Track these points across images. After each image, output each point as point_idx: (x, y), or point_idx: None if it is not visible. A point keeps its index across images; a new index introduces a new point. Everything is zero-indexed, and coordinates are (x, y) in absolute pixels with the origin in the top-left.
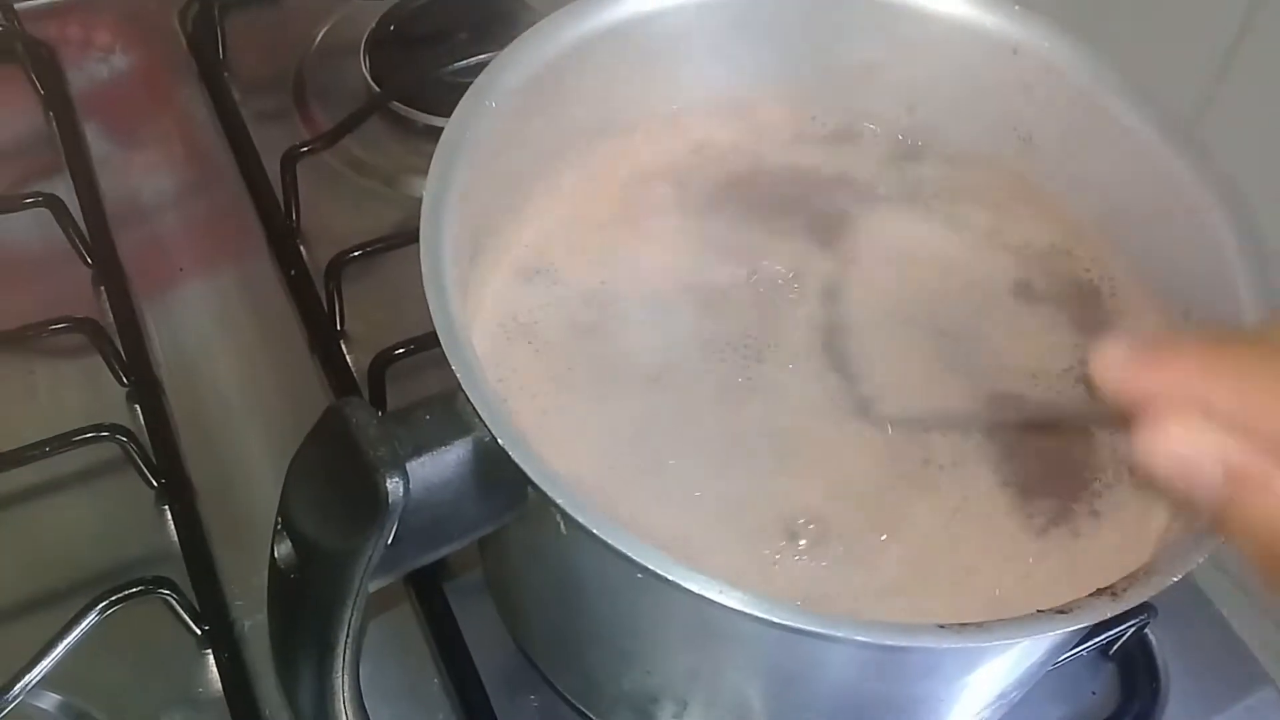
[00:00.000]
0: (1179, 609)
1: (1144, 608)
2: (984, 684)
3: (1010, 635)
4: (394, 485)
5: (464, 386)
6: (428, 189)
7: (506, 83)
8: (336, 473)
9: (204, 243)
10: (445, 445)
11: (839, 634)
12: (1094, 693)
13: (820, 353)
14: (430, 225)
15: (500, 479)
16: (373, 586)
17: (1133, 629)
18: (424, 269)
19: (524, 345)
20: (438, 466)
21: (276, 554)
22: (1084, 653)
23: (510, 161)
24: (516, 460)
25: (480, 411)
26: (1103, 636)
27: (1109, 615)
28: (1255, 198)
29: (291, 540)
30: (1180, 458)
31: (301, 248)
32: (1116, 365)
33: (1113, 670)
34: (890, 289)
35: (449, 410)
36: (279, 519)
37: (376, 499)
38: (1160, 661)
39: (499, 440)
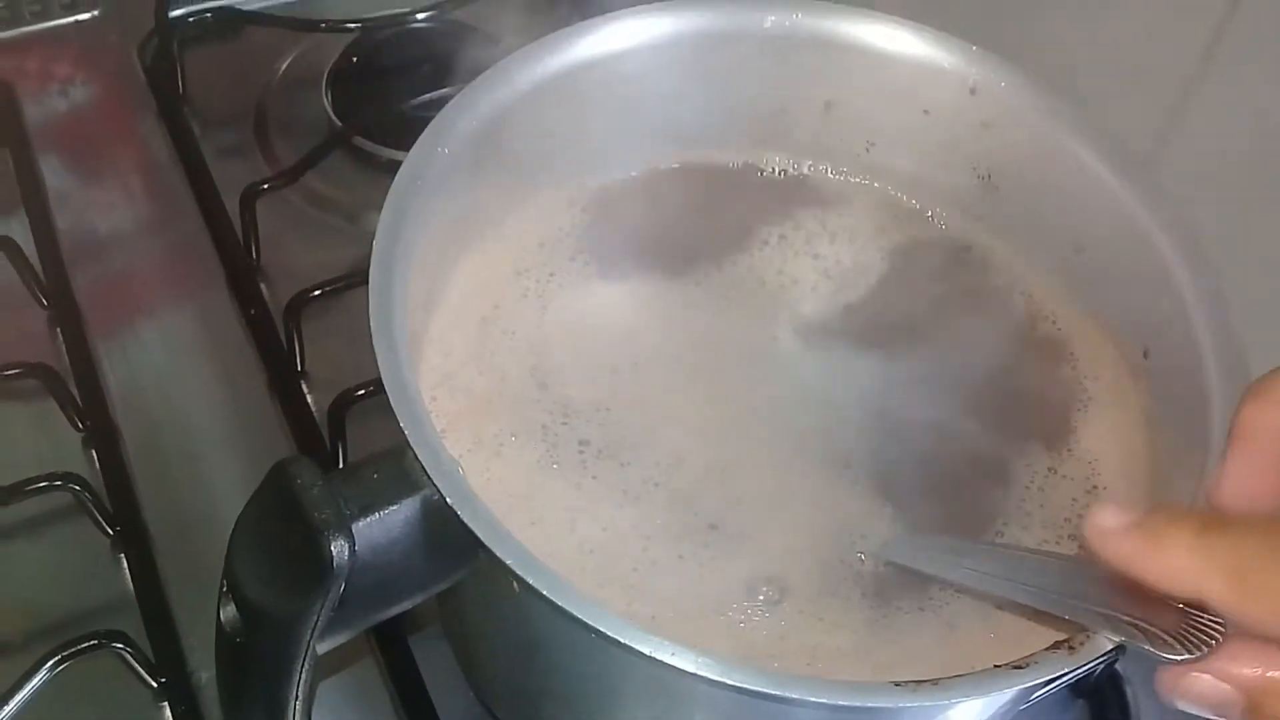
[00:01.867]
0: None
1: None
2: None
3: (966, 693)
4: (339, 549)
5: (412, 444)
6: (378, 239)
7: (459, 128)
8: (281, 535)
9: (163, 281)
10: (393, 504)
11: (793, 695)
12: None
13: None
14: (380, 275)
15: (451, 537)
16: (322, 648)
17: (1103, 664)
18: (372, 323)
19: (472, 394)
20: (385, 526)
21: (222, 617)
22: (1053, 691)
23: (463, 207)
24: (465, 520)
25: (429, 469)
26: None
27: (1064, 671)
28: (1211, 237)
29: (237, 603)
30: (1200, 694)
31: (262, 286)
32: (1114, 541)
33: (1083, 707)
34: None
35: (397, 467)
36: (224, 581)
37: (321, 562)
38: (1131, 697)
39: (448, 499)
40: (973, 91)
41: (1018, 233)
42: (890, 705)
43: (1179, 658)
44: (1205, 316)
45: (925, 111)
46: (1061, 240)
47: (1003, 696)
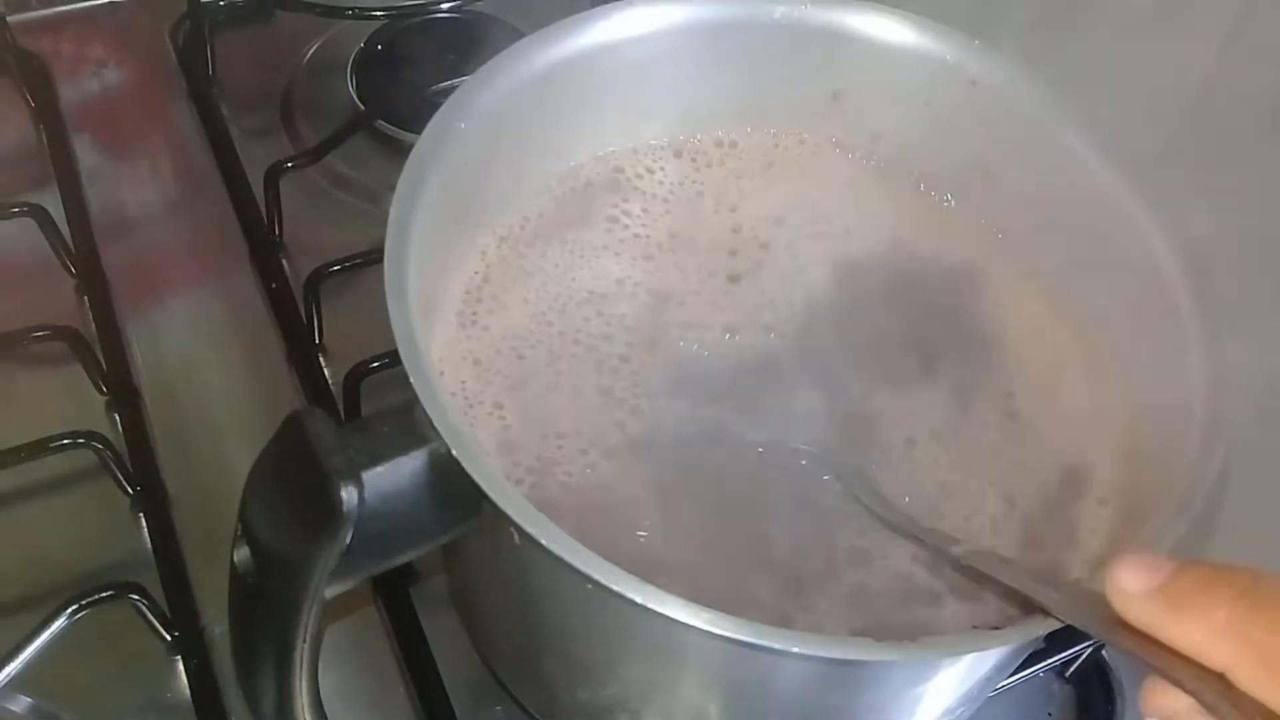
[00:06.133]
0: None
1: None
2: (930, 699)
3: (945, 652)
4: (348, 494)
5: (421, 398)
6: (395, 204)
7: (478, 104)
8: (294, 481)
9: (187, 255)
10: (401, 455)
11: (777, 646)
12: (1050, 715)
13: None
14: (396, 240)
15: (455, 490)
16: (330, 592)
17: (1088, 650)
18: (387, 282)
19: (481, 360)
20: (393, 476)
21: (235, 559)
22: (1039, 674)
23: (478, 180)
24: (470, 472)
25: (436, 423)
26: (1058, 658)
27: (1040, 634)
28: (1215, 244)
29: (250, 546)
30: None
31: (284, 261)
32: (1137, 606)
33: (1069, 692)
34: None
35: (407, 421)
36: (239, 525)
37: (332, 507)
38: (1117, 683)
39: (453, 452)
40: (973, 84)
41: (1016, 225)
42: (871, 659)
43: None
44: (1196, 311)
45: (926, 103)
46: (1056, 231)
47: (984, 662)
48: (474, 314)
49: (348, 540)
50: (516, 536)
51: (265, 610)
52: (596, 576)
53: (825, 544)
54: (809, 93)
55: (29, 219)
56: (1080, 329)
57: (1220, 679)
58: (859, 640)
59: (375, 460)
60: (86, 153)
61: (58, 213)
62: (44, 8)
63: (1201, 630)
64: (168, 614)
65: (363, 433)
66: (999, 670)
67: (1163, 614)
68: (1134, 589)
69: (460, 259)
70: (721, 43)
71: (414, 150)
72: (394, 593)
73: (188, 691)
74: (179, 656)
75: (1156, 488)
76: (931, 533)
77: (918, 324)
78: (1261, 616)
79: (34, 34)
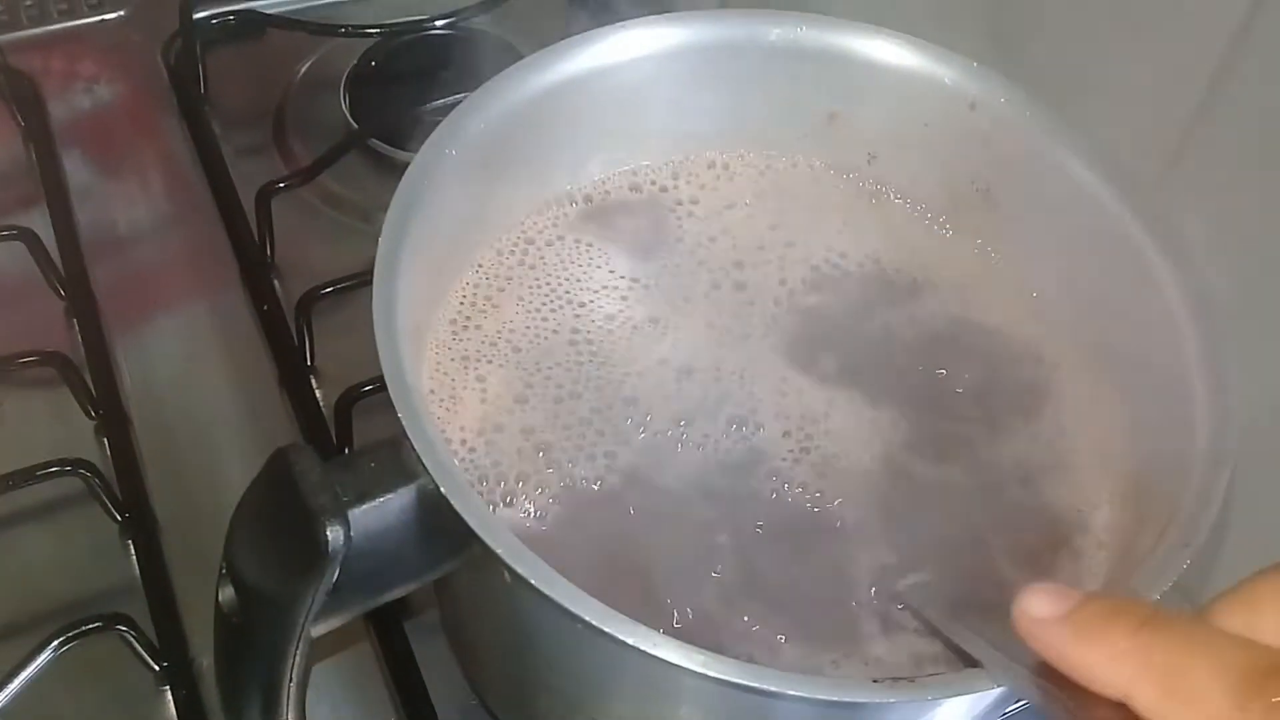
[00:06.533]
0: None
1: None
2: None
3: (944, 692)
4: (334, 533)
5: (409, 434)
6: (384, 235)
7: (468, 130)
8: (279, 519)
9: (179, 276)
10: (389, 492)
11: (775, 689)
12: None
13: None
14: (384, 269)
15: (444, 526)
16: (317, 631)
17: None
18: (375, 315)
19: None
20: (381, 514)
21: (220, 598)
22: None
23: (470, 207)
24: (458, 509)
25: (424, 459)
26: None
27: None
28: (1214, 267)
29: (234, 585)
30: None
31: (275, 282)
32: (1042, 631)
33: None
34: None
35: (394, 456)
36: (223, 564)
37: (317, 546)
38: None
39: (441, 488)
40: (972, 107)
41: (1013, 246)
42: (868, 700)
43: None
44: (1198, 335)
45: (925, 125)
46: (1058, 264)
47: (984, 699)
48: (463, 341)
49: (334, 580)
50: (507, 575)
51: (250, 650)
52: (587, 618)
53: (820, 572)
54: (805, 115)
55: (18, 242)
56: (1081, 358)
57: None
58: (852, 681)
59: (362, 498)
60: (76, 172)
61: (47, 233)
62: (34, 26)
63: (1104, 654)
64: (156, 644)
65: (350, 469)
66: (1006, 699)
67: (1067, 639)
68: (1039, 613)
69: (452, 287)
70: (717, 65)
71: (403, 179)
72: (387, 624)
73: None
74: (168, 687)
75: (1156, 522)
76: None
77: (913, 351)
78: (1162, 640)
79: (24, 52)
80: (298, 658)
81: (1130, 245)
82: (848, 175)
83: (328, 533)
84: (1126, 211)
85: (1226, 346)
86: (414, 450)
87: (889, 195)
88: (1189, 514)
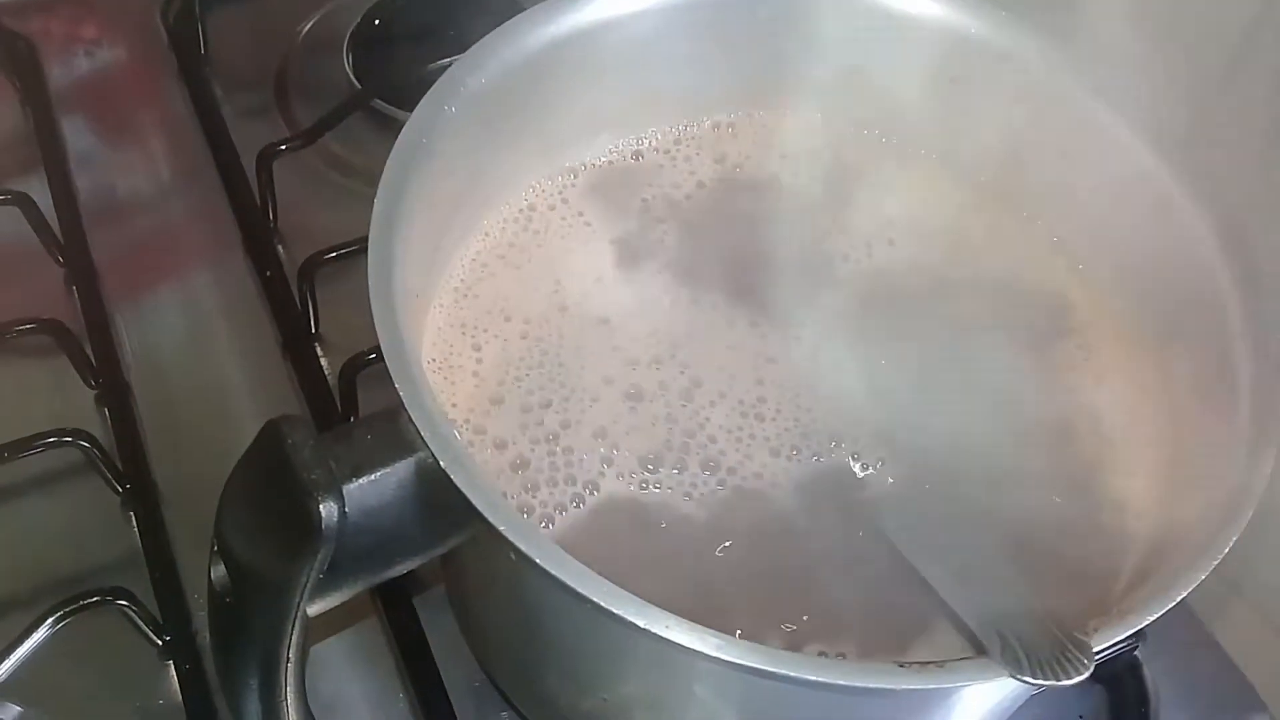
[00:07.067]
0: (1170, 631)
1: None
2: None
3: (971, 676)
4: (328, 510)
5: (407, 405)
6: (379, 198)
7: (466, 87)
8: (271, 495)
9: (179, 242)
10: (386, 467)
11: (792, 673)
12: (1081, 716)
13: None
14: (381, 236)
15: (445, 501)
16: (314, 610)
17: (1122, 651)
18: (370, 282)
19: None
20: (377, 489)
21: (212, 577)
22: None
23: (469, 167)
24: (459, 484)
25: (423, 432)
26: None
27: None
28: (1250, 216)
29: (226, 564)
30: None
31: (279, 248)
32: None
33: (1101, 693)
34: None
35: (392, 429)
36: (214, 541)
37: (310, 524)
38: (1150, 685)
39: (442, 463)
40: (1002, 59)
41: (1045, 203)
42: (893, 686)
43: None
44: (1239, 296)
45: (952, 80)
46: (1088, 215)
47: (1009, 683)
48: (464, 306)
49: (329, 558)
50: (512, 554)
51: (245, 631)
52: (596, 599)
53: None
54: (825, 69)
55: (13, 207)
56: (1118, 326)
57: None
58: (876, 666)
59: (358, 472)
60: (75, 136)
61: (44, 199)
62: None
63: None
64: (158, 618)
65: (345, 441)
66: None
67: None
68: None
69: (452, 250)
70: (729, 17)
71: (399, 138)
72: (396, 600)
73: (180, 697)
74: (170, 661)
75: (1195, 500)
76: None
77: (942, 315)
78: None
79: (21, 14)
80: (294, 638)
81: (1168, 204)
82: (871, 132)
83: (321, 509)
84: (1164, 168)
85: (1269, 298)
86: (412, 421)
87: (917, 152)
88: (1231, 494)
